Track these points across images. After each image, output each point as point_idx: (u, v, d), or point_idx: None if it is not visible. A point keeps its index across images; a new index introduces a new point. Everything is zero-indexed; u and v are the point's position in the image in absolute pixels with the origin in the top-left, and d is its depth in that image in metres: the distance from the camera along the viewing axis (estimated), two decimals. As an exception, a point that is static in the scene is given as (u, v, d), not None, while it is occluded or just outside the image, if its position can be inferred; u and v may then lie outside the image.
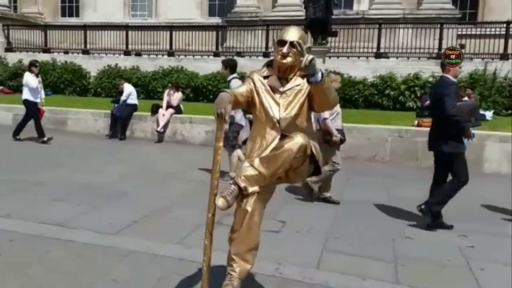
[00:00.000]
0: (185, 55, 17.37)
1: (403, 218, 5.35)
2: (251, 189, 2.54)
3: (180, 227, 4.60)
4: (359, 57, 15.24)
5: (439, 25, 14.95)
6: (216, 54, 17.15)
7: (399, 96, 13.21)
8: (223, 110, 2.47)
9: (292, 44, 2.62)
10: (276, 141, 2.63)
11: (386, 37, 15.25)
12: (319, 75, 2.50)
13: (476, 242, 4.62)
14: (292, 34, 2.66)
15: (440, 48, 14.74)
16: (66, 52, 18.24)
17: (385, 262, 4.02)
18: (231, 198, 2.51)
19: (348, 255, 4.14)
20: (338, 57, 15.31)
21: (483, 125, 9.46)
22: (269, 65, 2.80)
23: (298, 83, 2.72)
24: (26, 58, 17.03)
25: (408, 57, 14.88)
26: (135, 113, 10.84)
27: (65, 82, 16.34)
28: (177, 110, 10.70)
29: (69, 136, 10.50)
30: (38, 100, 9.43)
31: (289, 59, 2.66)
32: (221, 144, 2.59)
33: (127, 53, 17.92)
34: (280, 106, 2.70)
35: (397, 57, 14.96)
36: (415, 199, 5.72)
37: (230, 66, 6.70)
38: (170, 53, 17.56)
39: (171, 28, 17.87)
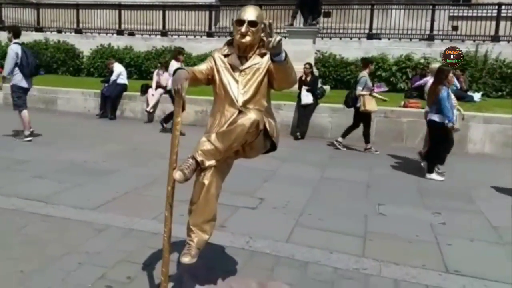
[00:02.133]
0: (178, 35, 17.33)
1: (380, 197, 5.47)
2: (207, 163, 2.63)
3: (157, 204, 4.65)
4: (351, 38, 15.22)
5: (431, 7, 14.89)
6: (209, 35, 17.11)
7: (390, 77, 13.25)
8: (179, 86, 2.57)
9: (250, 23, 2.70)
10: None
11: (379, 18, 15.21)
12: (283, 54, 2.56)
13: (449, 219, 4.75)
14: (250, 13, 2.72)
15: (432, 29, 14.73)
16: (59, 31, 18.16)
17: (354, 237, 4.14)
18: (189, 171, 2.60)
19: (319, 230, 4.26)
20: (330, 38, 15.29)
21: (469, 106, 9.54)
22: (230, 43, 2.86)
23: (256, 61, 2.79)
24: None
25: (400, 39, 14.88)
26: (125, 93, 10.88)
27: (58, 62, 16.33)
28: (167, 90, 10.71)
29: (58, 116, 10.57)
30: None
31: (247, 38, 2.72)
32: (179, 119, 2.67)
33: (120, 32, 17.85)
34: (239, 84, 2.77)
35: (389, 38, 14.95)
36: (395, 177, 5.84)
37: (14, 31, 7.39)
38: (163, 33, 17.51)
39: (164, 7, 17.76)
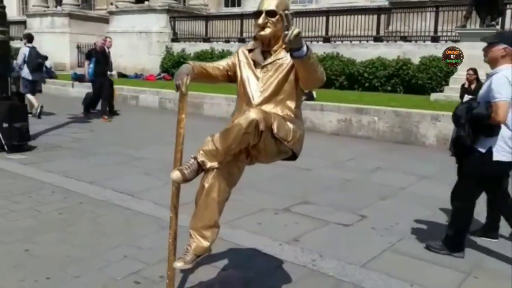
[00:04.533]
0: (342, 41, 17.23)
1: None
2: (209, 164, 2.51)
3: (234, 208, 4.67)
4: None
5: None
6: (377, 39, 16.58)
7: None
8: (180, 81, 2.54)
9: (268, 13, 2.54)
10: None
11: None
12: (304, 48, 2.31)
13: None
14: (268, 2, 2.56)
15: None
16: (227, 41, 19.77)
17: (455, 271, 3.48)
18: (189, 172, 2.49)
19: (414, 258, 3.71)
20: None
21: None
22: (256, 38, 2.71)
23: (280, 56, 2.61)
24: (188, 47, 19.09)
25: None
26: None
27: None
28: (309, 96, 10.71)
29: (202, 120, 11.36)
30: None
31: (267, 30, 2.57)
32: (183, 116, 2.61)
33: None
34: (259, 81, 2.65)
35: None
36: None
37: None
38: (326, 39, 17.61)
39: (327, 13, 17.89)
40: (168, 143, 7.85)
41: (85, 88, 15.53)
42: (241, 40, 19.31)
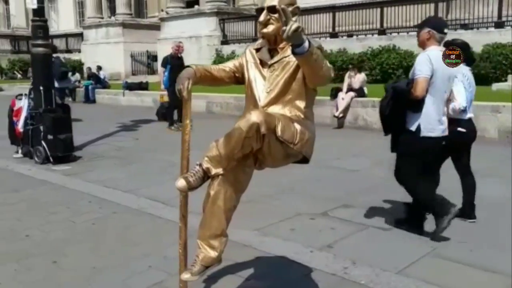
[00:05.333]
0: (398, 32, 16.70)
1: None
2: (214, 171, 2.45)
3: (276, 214, 4.64)
4: None
5: None
6: (435, 29, 15.92)
7: None
8: (180, 86, 2.52)
9: (270, 10, 2.47)
10: None
11: None
12: (306, 44, 2.21)
13: None
14: None
15: None
16: (275, 40, 19.75)
17: (504, 276, 3.21)
18: (194, 179, 2.45)
19: (459, 263, 3.50)
20: None
21: None
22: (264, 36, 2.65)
23: (287, 53, 2.50)
24: (238, 49, 19.17)
25: None
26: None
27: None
28: (360, 93, 10.45)
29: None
30: None
31: (270, 27, 2.51)
32: (187, 121, 2.58)
33: (333, 35, 18.29)
34: (266, 81, 2.58)
35: None
36: None
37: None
38: (381, 31, 17.14)
39: (381, 4, 17.40)
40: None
41: (134, 96, 16.15)
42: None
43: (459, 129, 4.23)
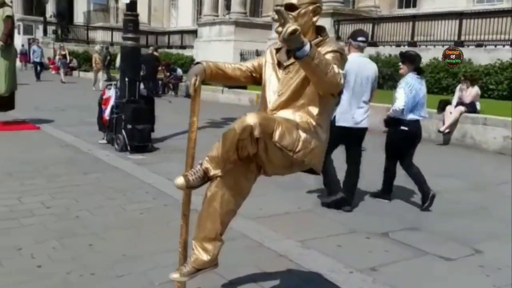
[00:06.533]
0: (537, 44, 15.33)
1: None
2: (212, 172, 2.46)
3: (326, 227, 4.49)
4: None
5: None
6: None
7: None
8: (188, 82, 2.57)
9: (288, 7, 2.45)
10: None
11: None
12: (307, 47, 2.14)
13: None
14: None
15: None
16: (398, 45, 19.09)
17: None
18: (194, 178, 2.47)
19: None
20: None
21: None
22: None
23: None
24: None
25: None
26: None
27: (385, 77, 17.23)
28: (471, 108, 9.75)
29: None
30: None
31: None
32: (195, 118, 2.59)
33: (458, 44, 17.25)
34: (279, 83, 2.56)
35: None
36: None
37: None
38: (517, 42, 15.84)
39: (514, 12, 16.08)
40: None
41: (232, 94, 16.58)
42: (412, 44, 18.49)
43: (402, 127, 5.27)
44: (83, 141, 7.96)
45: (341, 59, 2.44)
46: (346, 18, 20.52)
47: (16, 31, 34.34)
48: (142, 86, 16.54)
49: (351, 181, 5.16)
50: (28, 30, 35.53)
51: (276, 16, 2.38)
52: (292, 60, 2.50)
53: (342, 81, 2.30)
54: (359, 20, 20.32)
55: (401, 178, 5.66)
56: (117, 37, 30.84)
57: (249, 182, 2.58)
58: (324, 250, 3.93)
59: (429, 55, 16.79)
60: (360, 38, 5.07)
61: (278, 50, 2.65)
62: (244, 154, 2.36)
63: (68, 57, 27.09)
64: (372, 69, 5.13)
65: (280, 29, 2.45)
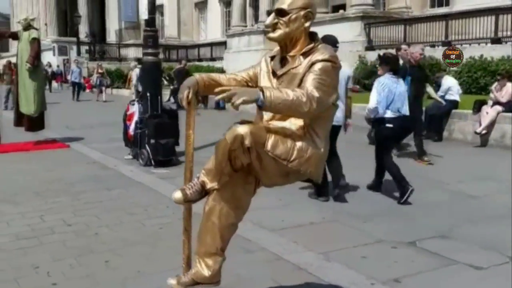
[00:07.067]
0: None
1: None
2: (209, 185, 2.46)
3: (352, 238, 4.40)
4: None
5: None
6: None
7: None
8: (181, 95, 2.55)
9: (279, 12, 2.44)
10: None
11: None
12: (260, 98, 2.19)
13: None
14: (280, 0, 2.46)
15: None
16: (432, 46, 18.71)
17: None
18: (191, 192, 2.47)
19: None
20: None
21: None
22: None
23: (295, 64, 2.44)
24: (383, 55, 18.64)
25: None
26: (454, 111, 10.25)
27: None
28: (509, 107, 9.41)
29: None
30: None
31: (277, 32, 2.48)
32: (190, 131, 2.58)
33: (495, 41, 16.78)
34: None
35: None
36: None
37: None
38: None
39: None
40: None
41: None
42: (446, 44, 18.09)
43: (387, 125, 5.60)
44: (110, 157, 8.08)
45: (334, 67, 2.39)
46: (377, 21, 20.31)
47: (51, 52, 35.58)
48: (172, 100, 16.95)
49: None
50: (62, 51, 36.64)
51: (267, 22, 2.36)
52: (284, 69, 2.48)
53: (315, 105, 2.26)
54: (391, 22, 20.04)
55: (436, 191, 5.50)
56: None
57: (247, 194, 2.55)
58: (347, 261, 3.83)
59: (465, 54, 16.33)
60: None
61: (272, 58, 2.61)
62: (238, 165, 2.34)
63: (106, 76, 26.64)
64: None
65: (272, 34, 2.49)
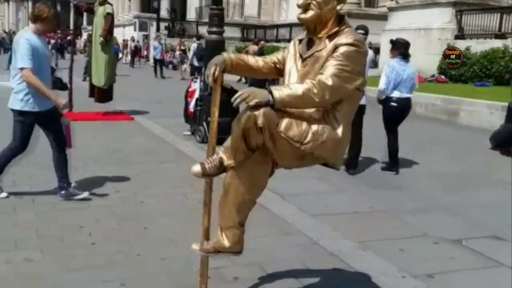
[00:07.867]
0: None
1: None
2: (226, 162, 2.59)
3: (396, 230, 4.39)
4: None
5: None
6: None
7: None
8: (208, 71, 2.68)
9: None
10: None
11: None
12: (270, 99, 2.33)
13: None
14: None
15: None
16: (530, 38, 17.68)
17: None
18: (210, 166, 2.61)
19: None
20: None
21: None
22: None
23: (320, 47, 2.49)
24: (475, 45, 17.71)
25: None
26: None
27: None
28: None
29: (456, 129, 10.52)
30: None
31: (309, 13, 2.49)
32: (215, 108, 2.72)
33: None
34: (298, 75, 2.59)
35: None
36: None
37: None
38: None
39: None
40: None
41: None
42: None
43: (392, 103, 6.36)
44: (170, 132, 8.48)
45: (359, 52, 2.43)
46: (470, 8, 19.38)
47: (132, 27, 36.92)
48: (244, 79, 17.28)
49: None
50: (143, 27, 37.95)
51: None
52: (309, 52, 2.54)
53: (327, 95, 2.35)
54: (486, 10, 19.03)
55: (496, 188, 5.31)
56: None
57: (265, 174, 2.66)
58: (382, 252, 3.88)
59: None
60: (359, 31, 5.68)
61: (300, 41, 2.68)
62: (253, 144, 2.46)
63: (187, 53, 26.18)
64: None
65: (303, 15, 2.54)
